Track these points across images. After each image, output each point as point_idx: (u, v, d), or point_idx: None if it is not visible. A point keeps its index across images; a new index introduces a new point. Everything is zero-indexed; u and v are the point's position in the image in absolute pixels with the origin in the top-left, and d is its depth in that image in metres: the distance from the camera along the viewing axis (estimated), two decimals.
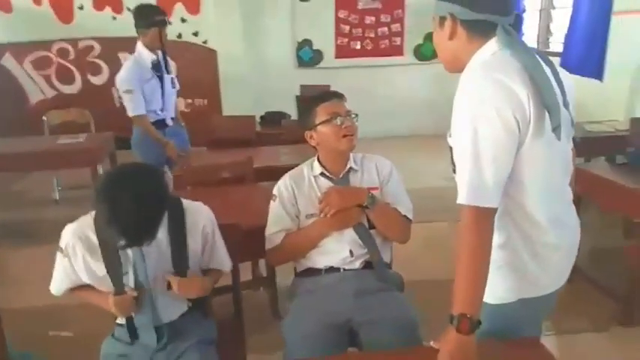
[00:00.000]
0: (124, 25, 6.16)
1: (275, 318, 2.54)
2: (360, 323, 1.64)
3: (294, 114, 4.86)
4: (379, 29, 6.34)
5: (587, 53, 4.29)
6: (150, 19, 3.03)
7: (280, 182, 1.87)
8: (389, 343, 1.53)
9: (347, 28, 6.33)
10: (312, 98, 1.84)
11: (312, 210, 1.77)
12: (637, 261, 2.47)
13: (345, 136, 1.75)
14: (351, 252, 1.74)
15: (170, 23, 3.11)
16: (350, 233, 1.75)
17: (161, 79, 3.19)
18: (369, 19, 6.31)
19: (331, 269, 1.75)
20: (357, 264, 1.75)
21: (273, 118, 4.52)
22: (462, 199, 1.12)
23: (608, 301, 2.61)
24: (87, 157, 3.76)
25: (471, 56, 1.20)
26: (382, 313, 1.64)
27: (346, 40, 6.37)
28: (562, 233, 1.27)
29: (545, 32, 5.36)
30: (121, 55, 6.10)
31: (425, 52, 6.45)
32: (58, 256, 1.53)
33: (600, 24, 4.11)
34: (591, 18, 4.24)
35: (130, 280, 1.49)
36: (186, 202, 1.58)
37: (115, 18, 6.17)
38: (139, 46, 3.13)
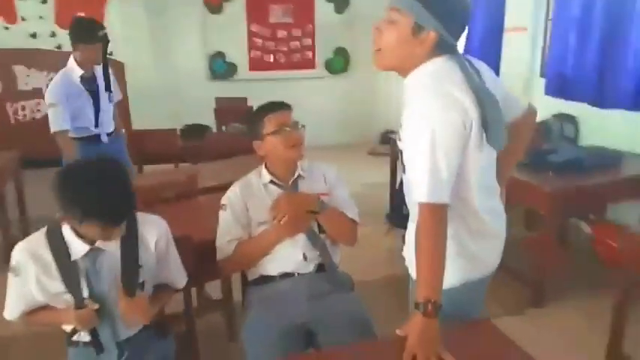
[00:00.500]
0: (18, 35, 5.76)
1: (232, 341, 2.49)
2: (317, 325, 1.70)
3: (212, 127, 4.84)
4: (291, 43, 6.49)
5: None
6: (93, 35, 2.90)
7: (229, 191, 1.88)
8: (346, 343, 1.59)
9: (260, 41, 6.41)
10: (259, 108, 1.87)
11: (263, 217, 1.80)
12: (539, 249, 2.80)
13: (293, 146, 1.81)
14: (304, 256, 1.80)
15: (104, 30, 2.97)
16: (301, 238, 1.80)
17: (95, 94, 3.06)
18: (281, 33, 6.44)
19: (285, 275, 1.80)
20: (311, 267, 1.81)
21: (193, 132, 4.44)
22: (422, 197, 1.24)
23: (518, 285, 2.90)
24: None
25: (416, 66, 1.31)
26: (337, 314, 1.71)
27: (259, 53, 6.44)
28: (497, 222, 1.44)
29: None
30: (16, 68, 5.66)
31: (335, 65, 6.71)
32: (10, 276, 1.45)
33: (494, 40, 4.59)
34: (486, 34, 4.72)
35: (84, 294, 1.45)
36: (140, 215, 1.55)
37: (7, 28, 5.71)
38: (71, 61, 2.99)
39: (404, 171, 1.37)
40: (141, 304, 1.47)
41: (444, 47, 1.29)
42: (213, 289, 2.59)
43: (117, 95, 3.30)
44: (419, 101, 1.27)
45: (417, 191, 1.26)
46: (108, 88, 3.13)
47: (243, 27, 6.34)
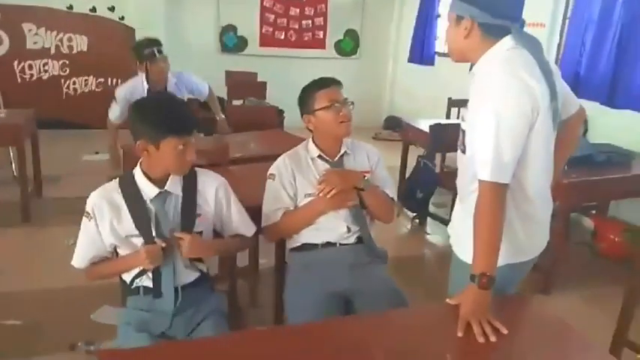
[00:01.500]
0: None
1: (254, 307, 2.59)
2: (355, 293, 1.81)
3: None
4: (303, 21, 6.49)
5: None
6: (140, 54, 3.08)
7: (279, 162, 1.95)
8: (381, 305, 1.72)
9: (272, 17, 6.39)
10: (311, 84, 1.94)
11: (310, 190, 1.88)
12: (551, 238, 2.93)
13: (342, 122, 1.88)
14: (348, 228, 1.89)
15: (155, 55, 3.05)
16: (345, 211, 1.89)
17: None
18: (294, 11, 6.43)
19: (328, 244, 1.89)
20: (352, 239, 1.90)
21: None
22: (485, 175, 1.33)
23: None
24: (10, 135, 3.43)
25: (480, 53, 1.40)
26: (374, 284, 1.82)
27: (271, 29, 6.43)
28: (546, 208, 1.54)
29: None
30: (25, 26, 5.58)
31: (345, 47, 6.74)
32: (84, 222, 1.58)
33: None
34: None
35: (153, 233, 1.57)
36: (198, 170, 1.67)
37: None
38: (140, 73, 3.17)
39: (463, 151, 1.46)
40: (197, 239, 1.59)
41: (494, 31, 1.36)
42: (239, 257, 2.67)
43: (202, 93, 3.49)
44: (489, 84, 1.34)
45: (481, 169, 1.34)
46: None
47: (257, 1, 6.31)
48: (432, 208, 3.93)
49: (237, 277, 2.56)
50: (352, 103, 1.93)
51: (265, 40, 6.44)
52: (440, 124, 3.58)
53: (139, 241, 1.56)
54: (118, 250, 1.61)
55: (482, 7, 1.35)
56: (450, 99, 4.80)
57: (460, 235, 1.58)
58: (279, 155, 2.82)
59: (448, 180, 3.65)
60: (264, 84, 5.21)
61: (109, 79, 6.06)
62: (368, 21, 6.71)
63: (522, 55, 1.36)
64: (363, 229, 1.92)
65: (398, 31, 6.86)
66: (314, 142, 1.97)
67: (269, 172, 1.94)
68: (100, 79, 6.04)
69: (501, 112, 1.29)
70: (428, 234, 3.80)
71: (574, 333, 1.38)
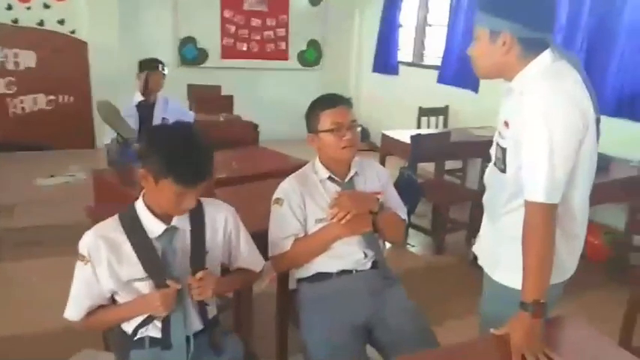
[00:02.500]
0: None
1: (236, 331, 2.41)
2: (376, 322, 1.70)
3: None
4: (265, 32, 6.36)
5: (464, 68, 4.90)
6: (143, 63, 3.40)
7: (286, 186, 1.81)
8: (407, 335, 1.64)
9: (233, 28, 6.22)
10: (318, 101, 1.81)
11: (321, 214, 1.76)
12: None
13: (345, 147, 1.75)
14: (364, 254, 1.78)
15: (157, 68, 3.39)
16: (358, 236, 1.78)
17: (148, 118, 3.36)
18: (255, 22, 6.29)
19: (343, 272, 1.77)
20: (368, 264, 1.79)
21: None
22: (537, 197, 1.26)
23: None
24: None
25: (519, 69, 1.34)
26: (393, 309, 1.72)
27: (232, 40, 6.26)
28: (585, 221, 1.48)
29: (420, 47, 5.95)
30: None
31: (308, 58, 6.66)
32: (78, 266, 1.39)
33: None
34: (467, 37, 4.86)
35: (163, 274, 1.41)
36: (204, 199, 1.51)
37: None
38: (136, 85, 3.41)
39: (503, 170, 1.38)
40: (207, 278, 1.42)
41: (534, 44, 1.31)
42: None
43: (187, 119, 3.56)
44: (538, 101, 1.27)
45: (531, 190, 1.27)
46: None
47: (216, 12, 6.12)
48: (412, 219, 3.88)
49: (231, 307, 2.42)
50: (361, 126, 1.82)
51: (227, 52, 6.26)
52: (420, 134, 3.55)
53: (142, 285, 1.39)
54: (116, 297, 1.42)
55: (521, 21, 1.29)
56: (420, 108, 4.80)
57: (495, 257, 1.50)
58: (266, 174, 2.73)
59: (431, 190, 3.64)
60: (230, 97, 5.03)
61: (61, 97, 5.72)
62: (330, 31, 6.66)
63: (567, 69, 1.31)
64: (377, 253, 1.82)
65: (360, 41, 6.86)
66: (321, 162, 1.84)
67: (275, 197, 1.80)
68: (50, 97, 5.68)
69: (554, 130, 1.23)
70: (411, 246, 3.75)
71: (621, 351, 1.32)
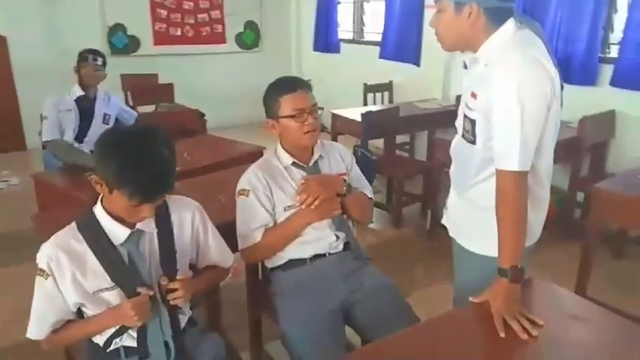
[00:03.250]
0: None
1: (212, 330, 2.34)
2: (353, 302, 1.69)
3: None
4: (199, 15, 6.12)
5: (404, 42, 4.95)
6: (79, 56, 3.11)
7: (250, 176, 1.74)
8: (385, 312, 1.64)
9: (164, 12, 5.94)
10: (276, 85, 1.73)
11: (289, 202, 1.71)
12: None
13: (307, 132, 1.70)
14: (336, 236, 1.76)
15: (96, 60, 3.10)
16: (328, 219, 1.75)
17: (89, 114, 3.12)
18: (188, 5, 6.03)
19: (316, 256, 1.74)
20: (340, 246, 1.77)
21: None
22: (510, 166, 1.28)
23: None
24: None
25: (483, 39, 1.34)
26: (369, 287, 1.72)
27: (164, 25, 5.98)
28: (549, 186, 1.52)
29: (359, 23, 5.93)
30: None
31: (246, 40, 6.49)
32: (38, 282, 1.26)
33: (414, 16, 4.77)
34: (405, 11, 4.89)
35: (133, 282, 1.31)
36: (168, 197, 1.40)
37: None
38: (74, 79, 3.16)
39: (472, 142, 1.39)
40: (181, 281, 1.35)
41: (498, 14, 1.32)
42: None
43: (129, 122, 3.36)
44: (507, 71, 1.27)
45: (503, 159, 1.29)
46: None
47: None
48: None
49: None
50: (321, 108, 1.76)
51: (160, 38, 5.98)
52: (371, 112, 3.55)
53: (110, 295, 1.29)
54: (84, 309, 1.32)
55: None
56: (365, 85, 4.81)
57: (467, 227, 1.53)
58: (223, 163, 2.64)
59: (384, 166, 3.67)
60: (170, 86, 4.83)
61: None
62: (267, 12, 6.51)
63: (531, 37, 1.32)
64: (348, 234, 1.80)
65: (298, 21, 6.75)
66: (283, 148, 1.79)
67: (240, 188, 1.74)
68: None
69: (525, 99, 1.24)
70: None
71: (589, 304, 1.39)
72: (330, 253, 1.75)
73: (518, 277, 1.31)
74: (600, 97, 3.45)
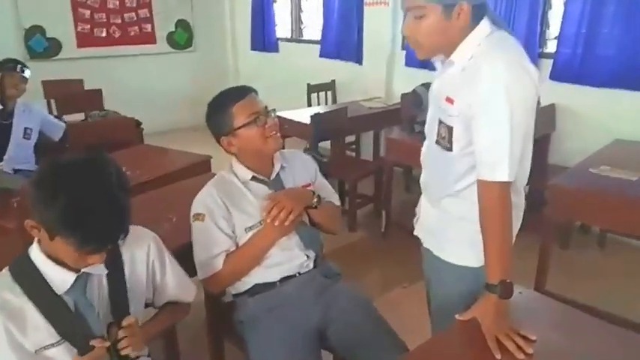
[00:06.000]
0: None
1: None
2: (327, 322, 1.59)
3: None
4: (125, 15, 5.73)
5: (345, 40, 4.88)
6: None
7: (204, 197, 1.57)
8: (362, 330, 1.55)
9: (87, 12, 5.50)
10: (222, 97, 1.58)
11: (250, 222, 1.56)
12: None
13: (270, 136, 1.56)
14: (307, 256, 1.63)
15: (15, 69, 2.89)
16: (295, 237, 1.62)
17: (6, 129, 2.89)
18: (113, 4, 5.63)
19: (286, 278, 1.61)
20: (311, 264, 1.65)
21: None
22: (500, 176, 1.21)
23: None
24: None
25: (459, 40, 1.25)
26: (344, 305, 1.62)
27: (88, 26, 5.54)
28: (523, 194, 1.46)
29: (298, 22, 5.80)
30: None
31: (178, 40, 6.17)
32: None
33: (354, 14, 4.71)
34: (344, 8, 4.82)
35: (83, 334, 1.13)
36: None
37: None
38: None
39: (449, 149, 1.31)
40: (134, 327, 1.19)
41: (479, 10, 1.23)
42: None
43: (55, 133, 3.17)
44: (492, 74, 1.18)
45: (491, 169, 1.22)
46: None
47: None
48: None
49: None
50: (274, 110, 1.63)
51: (83, 40, 5.54)
52: (319, 113, 3.45)
53: (57, 352, 1.11)
54: None
55: None
56: (309, 85, 4.70)
57: (443, 238, 1.45)
58: (167, 177, 2.43)
59: (335, 168, 3.58)
60: (98, 92, 4.47)
61: None
62: (199, 10, 6.22)
63: (509, 38, 1.25)
64: (319, 250, 1.69)
65: (233, 19, 6.51)
66: (241, 163, 1.63)
67: (194, 212, 1.57)
68: None
69: (515, 107, 1.17)
70: None
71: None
72: (299, 273, 1.63)
73: (508, 292, 1.24)
74: (541, 91, 3.53)
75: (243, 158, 1.63)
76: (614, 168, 2.32)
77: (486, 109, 1.20)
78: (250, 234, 1.56)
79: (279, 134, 1.61)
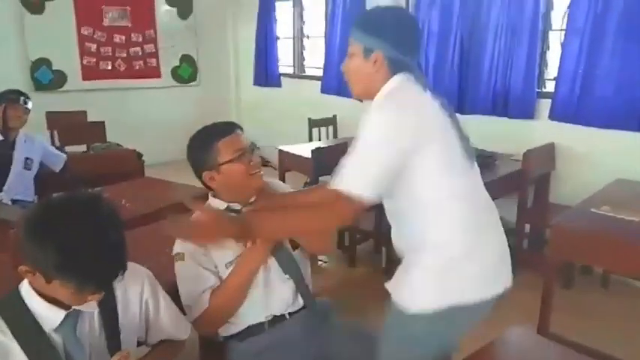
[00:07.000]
0: None
1: None
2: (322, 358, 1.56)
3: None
4: (131, 49, 5.85)
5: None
6: (1, 95, 2.92)
7: None
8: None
9: (93, 46, 5.62)
10: (207, 132, 1.59)
11: (230, 256, 1.53)
12: None
13: (254, 173, 1.56)
14: (291, 288, 1.60)
15: (19, 101, 2.92)
16: (273, 263, 1.58)
17: (7, 159, 2.89)
18: (119, 38, 5.75)
19: (275, 319, 1.57)
20: (300, 301, 1.62)
21: None
22: (337, 184, 1.28)
23: None
24: None
25: (381, 87, 1.36)
26: (339, 341, 1.60)
27: (94, 60, 5.65)
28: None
29: (300, 58, 5.91)
30: None
31: (182, 74, 6.27)
32: None
33: None
34: (346, 46, 4.89)
35: None
36: None
37: None
38: None
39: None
40: None
41: (397, 65, 1.35)
42: None
43: (56, 164, 3.17)
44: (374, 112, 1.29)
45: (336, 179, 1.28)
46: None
47: (72, 30, 5.48)
48: None
49: None
50: (258, 147, 1.63)
51: (89, 73, 5.63)
52: (320, 148, 3.47)
53: None
54: None
55: (391, 41, 1.33)
56: (310, 119, 4.75)
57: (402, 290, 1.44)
58: (167, 210, 2.40)
59: None
60: (101, 124, 4.51)
61: None
62: (203, 45, 6.35)
63: (407, 81, 1.34)
64: (299, 280, 1.63)
65: (236, 54, 6.64)
66: (217, 197, 1.62)
67: (175, 252, 1.55)
68: None
69: (372, 132, 1.29)
70: (324, 262, 3.64)
71: None
72: (289, 314, 1.60)
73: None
74: (540, 130, 3.58)
75: (223, 193, 1.61)
76: (616, 208, 2.31)
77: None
78: (231, 269, 1.53)
79: (262, 172, 1.61)
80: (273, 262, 1.58)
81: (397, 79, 1.35)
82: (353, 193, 1.23)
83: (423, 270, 1.35)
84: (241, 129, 1.62)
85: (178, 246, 1.54)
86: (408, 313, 1.35)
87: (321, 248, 1.73)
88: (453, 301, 1.30)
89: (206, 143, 1.55)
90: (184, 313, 1.49)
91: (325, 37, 5.18)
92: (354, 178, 1.25)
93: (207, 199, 1.62)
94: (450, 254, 1.32)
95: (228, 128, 1.58)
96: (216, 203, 1.61)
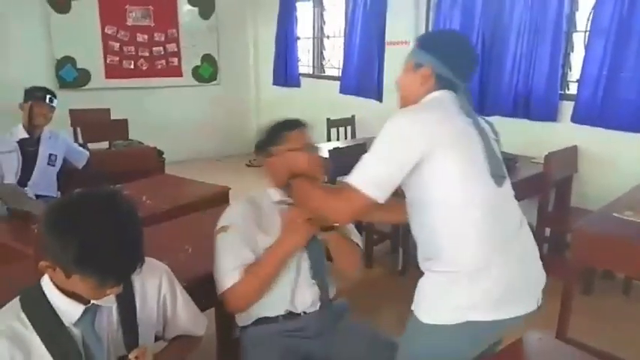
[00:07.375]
0: None
1: None
2: (333, 356, 1.60)
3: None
4: (154, 48, 5.93)
5: (365, 78, 4.95)
6: (29, 93, 2.95)
7: (233, 210, 1.62)
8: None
9: (117, 45, 5.72)
10: (277, 125, 1.66)
11: (272, 243, 1.56)
12: None
13: (319, 166, 1.64)
14: (318, 292, 1.62)
15: (44, 99, 2.92)
16: (305, 261, 1.61)
17: (32, 155, 2.93)
18: (142, 37, 5.84)
19: (290, 314, 1.60)
20: (318, 305, 1.63)
21: None
22: (350, 180, 1.32)
23: None
24: None
25: (421, 99, 1.39)
26: (350, 339, 1.63)
27: (117, 58, 5.74)
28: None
29: (319, 58, 5.92)
30: None
31: (203, 74, 6.34)
32: None
33: (375, 53, 4.79)
34: (364, 47, 4.91)
35: None
36: None
37: None
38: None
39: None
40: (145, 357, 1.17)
41: (444, 83, 1.38)
42: None
43: (80, 161, 3.21)
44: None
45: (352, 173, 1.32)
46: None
47: (96, 29, 5.58)
48: None
49: None
50: (319, 147, 1.72)
51: (112, 72, 5.73)
52: (338, 148, 3.47)
53: None
54: None
55: (442, 59, 1.37)
56: (328, 120, 4.75)
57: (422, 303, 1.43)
58: (187, 207, 2.45)
59: None
60: (124, 122, 4.58)
61: None
62: (224, 45, 6.41)
63: (443, 96, 1.37)
64: (324, 287, 1.66)
65: (257, 54, 6.68)
66: (274, 187, 1.67)
67: (220, 225, 1.59)
68: None
69: (388, 136, 1.33)
70: None
71: None
72: (305, 312, 1.61)
73: None
74: (563, 132, 3.52)
75: (278, 182, 1.65)
76: (639, 213, 2.26)
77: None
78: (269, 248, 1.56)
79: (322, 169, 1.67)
80: (305, 263, 1.62)
81: (436, 94, 1.38)
82: (361, 189, 1.27)
83: (433, 281, 1.35)
84: (308, 128, 1.70)
85: (225, 220, 1.60)
86: (422, 322, 1.34)
87: (351, 263, 1.74)
88: (463, 318, 1.28)
89: (278, 131, 1.64)
90: (203, 308, 1.51)
91: (344, 37, 5.18)
92: (363, 176, 1.29)
93: (226, 197, 1.66)
94: (460, 265, 1.30)
95: (300, 124, 1.67)
96: (273, 192, 1.67)
